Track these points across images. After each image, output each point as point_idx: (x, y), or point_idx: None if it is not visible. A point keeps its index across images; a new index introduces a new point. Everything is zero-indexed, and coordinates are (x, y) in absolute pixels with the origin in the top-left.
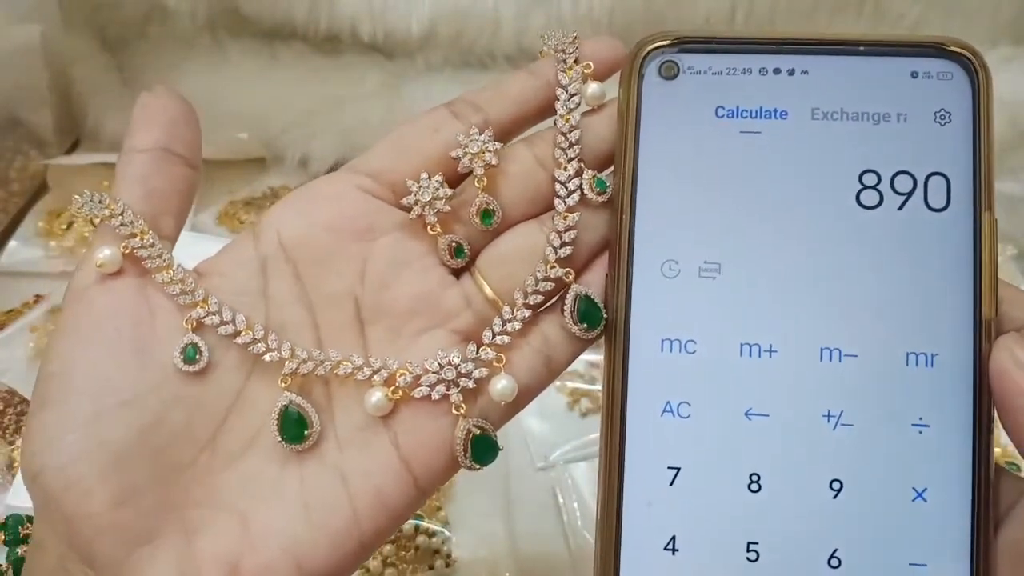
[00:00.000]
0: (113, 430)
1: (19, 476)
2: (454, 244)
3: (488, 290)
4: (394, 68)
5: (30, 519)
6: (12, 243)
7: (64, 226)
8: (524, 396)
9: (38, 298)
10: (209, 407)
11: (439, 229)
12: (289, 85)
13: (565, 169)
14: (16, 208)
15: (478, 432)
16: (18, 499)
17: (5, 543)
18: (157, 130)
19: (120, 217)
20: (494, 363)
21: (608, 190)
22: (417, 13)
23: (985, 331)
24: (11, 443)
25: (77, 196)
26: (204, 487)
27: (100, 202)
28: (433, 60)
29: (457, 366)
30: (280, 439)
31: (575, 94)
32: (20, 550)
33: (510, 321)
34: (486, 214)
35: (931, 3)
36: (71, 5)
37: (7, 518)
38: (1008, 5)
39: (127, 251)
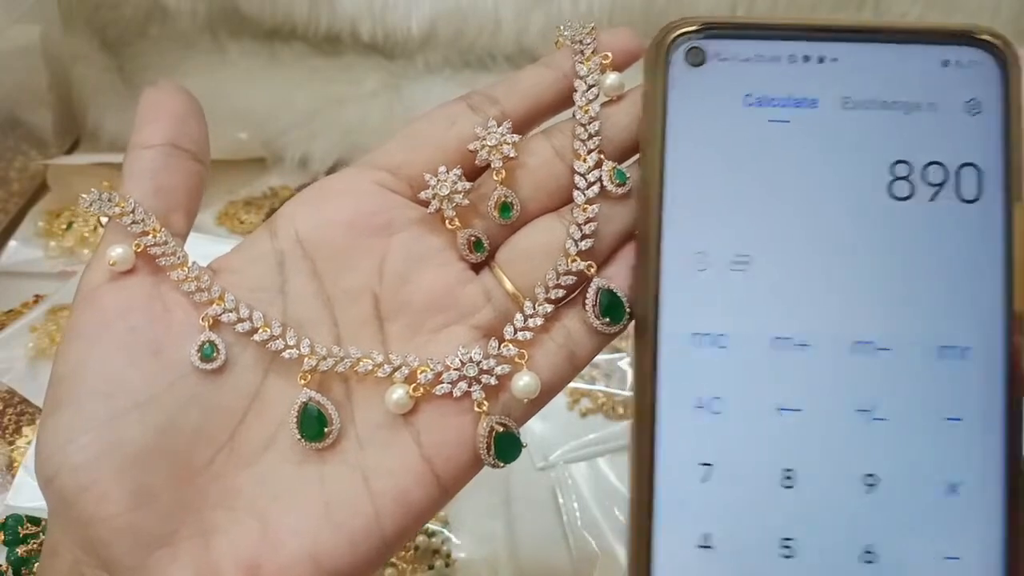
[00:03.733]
0: (129, 431)
1: (19, 476)
2: (473, 238)
3: (508, 285)
4: (394, 68)
5: (31, 519)
6: (12, 243)
7: (64, 226)
8: (547, 393)
9: (38, 298)
10: (226, 406)
11: (458, 223)
12: (289, 85)
13: (585, 161)
14: (16, 208)
15: (501, 429)
16: (18, 499)
17: (5, 543)
18: (163, 126)
19: (131, 215)
20: (516, 359)
21: (628, 182)
22: (417, 13)
23: (1017, 324)
24: (11, 443)
25: (84, 195)
26: (222, 488)
27: (110, 200)
28: (433, 60)
29: (479, 362)
30: (299, 437)
31: (593, 85)
32: (20, 550)
33: (532, 316)
34: (505, 207)
35: (931, 2)
36: (71, 5)
37: (7, 518)
38: (1008, 5)
39: (139, 249)
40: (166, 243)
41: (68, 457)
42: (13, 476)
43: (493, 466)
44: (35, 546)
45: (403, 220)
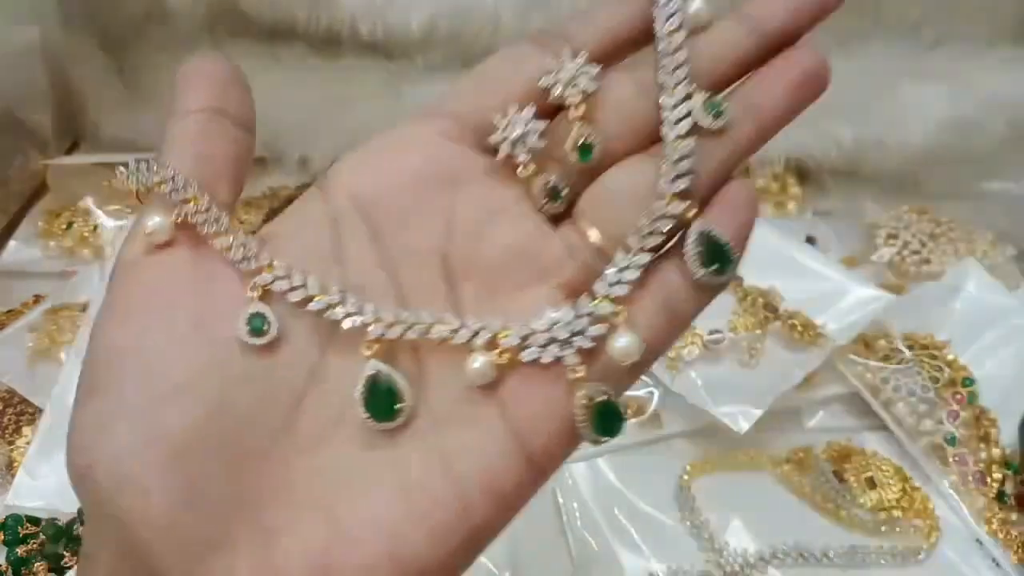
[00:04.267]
0: (172, 417)
1: (19, 476)
2: (551, 185)
3: (595, 235)
4: (394, 68)
5: (31, 519)
6: (12, 243)
7: (64, 226)
8: (648, 355)
9: (37, 298)
10: (281, 386)
11: (532, 169)
12: (289, 85)
13: (672, 94)
14: (16, 208)
15: (602, 399)
16: (18, 499)
17: (4, 543)
18: (206, 91)
19: (171, 182)
20: (612, 318)
21: (725, 114)
22: (417, 12)
23: None
24: (11, 443)
25: (122, 168)
26: (281, 480)
27: (148, 169)
28: (433, 60)
29: (569, 323)
30: (366, 416)
31: (676, 12)
32: (20, 550)
33: (625, 269)
34: (584, 148)
35: (931, 3)
36: (71, 5)
37: (7, 518)
38: (1008, 5)
39: (180, 218)
40: (208, 210)
41: (103, 448)
42: (13, 476)
43: (594, 442)
44: (35, 546)
45: (471, 171)
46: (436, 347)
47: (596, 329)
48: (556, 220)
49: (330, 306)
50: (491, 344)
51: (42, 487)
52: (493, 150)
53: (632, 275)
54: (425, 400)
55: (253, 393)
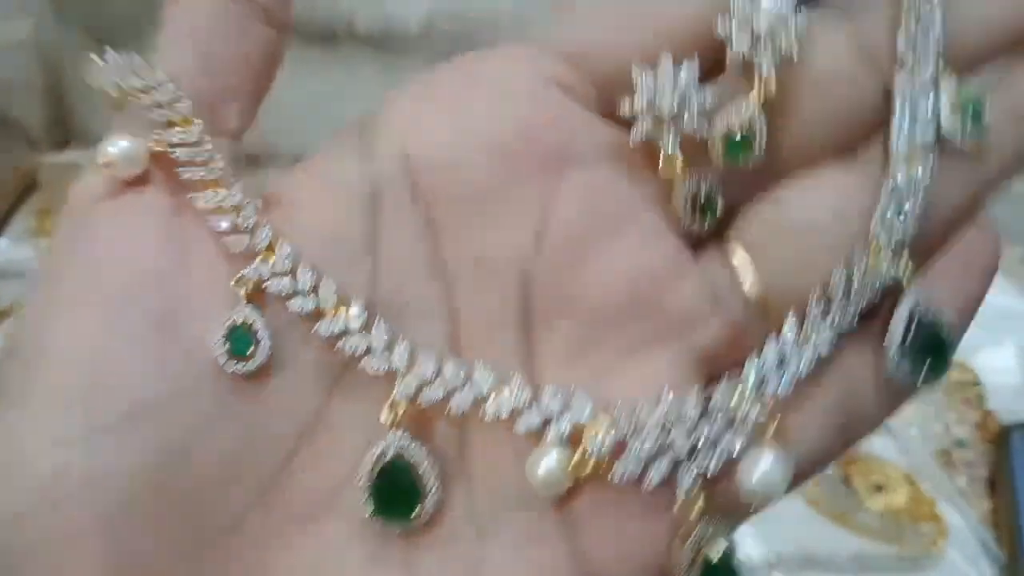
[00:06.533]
0: (115, 454)
1: None
2: (703, 194)
3: (753, 284)
4: (392, 61)
5: None
6: (2, 242)
7: (55, 224)
8: (795, 482)
9: None
10: (266, 436)
11: (681, 165)
12: (284, 79)
13: (914, 73)
14: (6, 206)
15: (720, 549)
16: None
17: None
18: None
19: (154, 92)
20: (759, 426)
21: (985, 127)
22: (415, 4)
23: None
24: None
25: (98, 59)
26: (252, 567)
27: (130, 67)
28: (432, 53)
29: (695, 425)
30: (372, 512)
31: None
32: None
33: (796, 349)
34: (740, 144)
35: None
36: (63, 0)
37: None
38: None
39: (159, 147)
40: (198, 143)
41: (13, 488)
42: None
43: None
44: None
45: (587, 148)
46: (490, 424)
47: (735, 442)
48: (698, 243)
49: (347, 333)
50: (575, 438)
51: None
52: (626, 120)
53: (805, 360)
54: (468, 491)
55: (227, 440)
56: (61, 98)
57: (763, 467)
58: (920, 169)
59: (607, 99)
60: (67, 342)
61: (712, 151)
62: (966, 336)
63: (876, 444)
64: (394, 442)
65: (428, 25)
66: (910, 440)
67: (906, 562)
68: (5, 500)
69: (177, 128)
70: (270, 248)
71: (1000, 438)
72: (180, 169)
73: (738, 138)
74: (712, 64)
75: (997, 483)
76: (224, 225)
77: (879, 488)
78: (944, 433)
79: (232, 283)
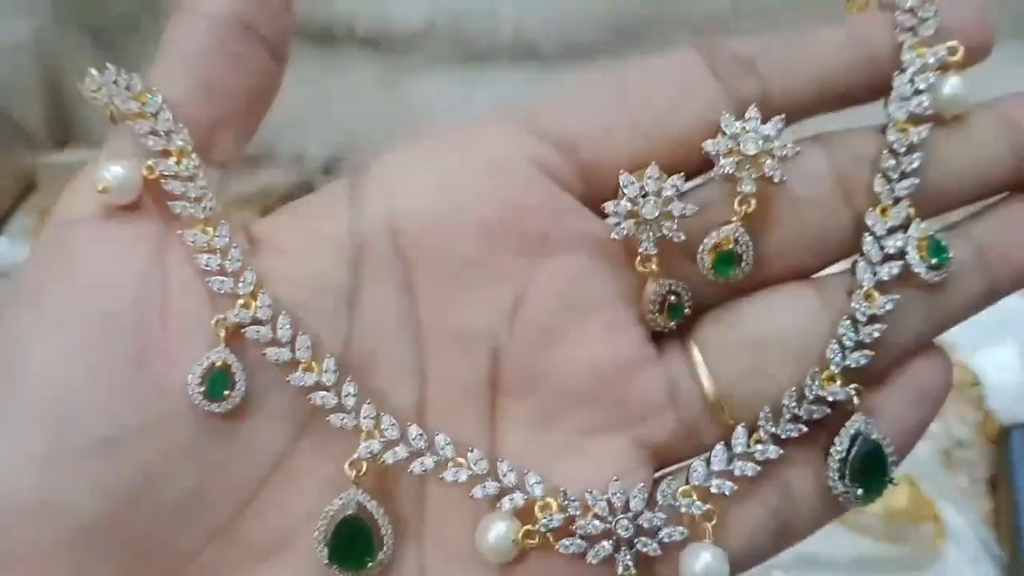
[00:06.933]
0: (79, 482)
1: None
2: (672, 296)
3: (709, 387)
4: (391, 62)
5: None
6: (2, 241)
7: None
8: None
9: None
10: (235, 471)
11: (654, 266)
12: (283, 79)
13: (886, 215)
14: (5, 206)
15: None
16: None
17: None
18: None
19: (152, 119)
20: (699, 520)
21: (948, 265)
22: (415, 4)
23: None
24: None
25: (92, 73)
26: None
27: (127, 87)
28: (431, 54)
29: (638, 515)
30: (328, 562)
31: (924, 90)
32: None
33: (741, 458)
34: (726, 259)
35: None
36: (63, 1)
37: None
38: (1009, 4)
39: (151, 175)
40: (192, 178)
41: None
42: None
43: None
44: None
45: (568, 236)
46: (448, 486)
47: (674, 534)
48: (663, 338)
49: (318, 387)
50: (526, 511)
51: None
52: (614, 216)
53: (747, 470)
54: (418, 546)
55: (192, 476)
56: (61, 98)
57: (699, 562)
58: (883, 303)
59: (593, 188)
60: (45, 367)
61: (700, 264)
62: (966, 336)
63: None
64: (354, 498)
65: (428, 25)
66: None
67: (906, 562)
68: None
69: (172, 158)
70: (253, 295)
71: (1000, 438)
72: (172, 203)
73: (728, 253)
74: (697, 164)
75: (997, 483)
76: (210, 264)
77: None
78: (944, 433)
79: (212, 323)
